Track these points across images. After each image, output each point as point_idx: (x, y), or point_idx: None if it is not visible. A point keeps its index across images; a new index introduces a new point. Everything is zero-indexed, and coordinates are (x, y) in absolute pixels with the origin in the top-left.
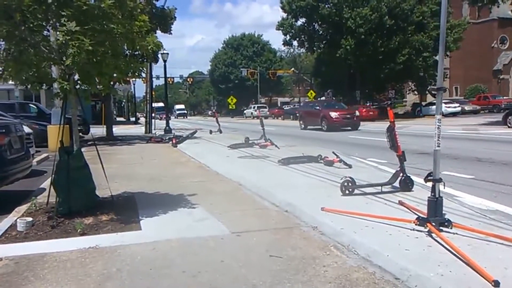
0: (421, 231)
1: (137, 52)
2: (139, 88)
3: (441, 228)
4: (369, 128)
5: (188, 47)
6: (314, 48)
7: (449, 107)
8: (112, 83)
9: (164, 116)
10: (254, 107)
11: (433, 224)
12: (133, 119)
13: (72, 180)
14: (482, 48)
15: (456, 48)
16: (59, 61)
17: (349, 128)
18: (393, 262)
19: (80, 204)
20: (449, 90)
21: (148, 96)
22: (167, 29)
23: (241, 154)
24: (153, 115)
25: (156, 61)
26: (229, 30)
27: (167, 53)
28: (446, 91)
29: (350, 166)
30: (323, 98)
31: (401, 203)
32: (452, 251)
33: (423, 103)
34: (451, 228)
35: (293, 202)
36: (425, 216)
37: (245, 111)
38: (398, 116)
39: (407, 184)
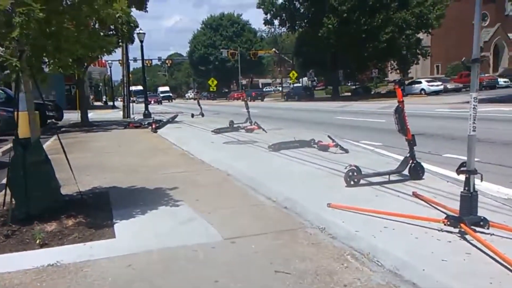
0: (451, 232)
1: (111, 32)
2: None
3: (474, 228)
4: (353, 109)
5: (166, 28)
6: (296, 27)
7: (431, 85)
8: (85, 64)
9: (153, 99)
10: (191, 91)
11: (469, 225)
12: (110, 103)
13: (31, 178)
14: (463, 26)
15: (438, 25)
16: (5, 34)
17: None
18: (431, 279)
19: (41, 206)
20: (431, 69)
21: (125, 79)
22: (142, 6)
23: (227, 139)
24: (132, 99)
25: (132, 41)
26: (207, 10)
27: (144, 33)
28: (482, 62)
29: (346, 151)
30: (305, 78)
31: (415, 195)
32: (500, 260)
33: (406, 82)
34: (487, 228)
35: (291, 196)
36: (450, 212)
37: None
38: (381, 96)
39: (417, 172)
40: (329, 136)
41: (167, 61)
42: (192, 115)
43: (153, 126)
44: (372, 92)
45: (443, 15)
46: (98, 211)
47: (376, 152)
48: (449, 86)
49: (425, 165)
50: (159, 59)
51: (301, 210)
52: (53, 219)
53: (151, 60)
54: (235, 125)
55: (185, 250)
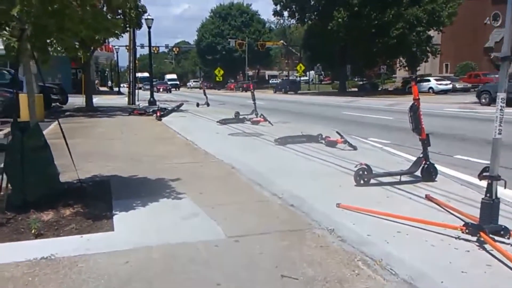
0: (469, 240)
1: (119, 16)
2: (124, 56)
3: (493, 237)
4: (360, 104)
5: (174, 16)
6: (305, 20)
7: (440, 84)
8: (91, 48)
9: (163, 87)
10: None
11: (489, 234)
12: (116, 89)
13: (28, 163)
14: (474, 25)
15: (450, 23)
16: (6, 11)
17: None
18: None
19: (38, 194)
20: (440, 67)
21: (131, 65)
22: None
23: (232, 131)
24: (139, 85)
25: (140, 26)
26: None
27: (152, 19)
28: None
29: (355, 148)
30: (312, 72)
31: (429, 198)
32: None
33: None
34: (508, 238)
35: (298, 194)
36: (467, 218)
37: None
38: (388, 93)
39: (430, 174)
40: (337, 132)
41: (174, 49)
42: (198, 104)
43: (158, 114)
44: (379, 89)
45: (456, 13)
46: (97, 201)
47: (385, 150)
48: (457, 85)
49: (436, 166)
50: (166, 46)
51: (309, 209)
52: (50, 208)
53: (158, 47)
54: (240, 117)
55: (186, 248)
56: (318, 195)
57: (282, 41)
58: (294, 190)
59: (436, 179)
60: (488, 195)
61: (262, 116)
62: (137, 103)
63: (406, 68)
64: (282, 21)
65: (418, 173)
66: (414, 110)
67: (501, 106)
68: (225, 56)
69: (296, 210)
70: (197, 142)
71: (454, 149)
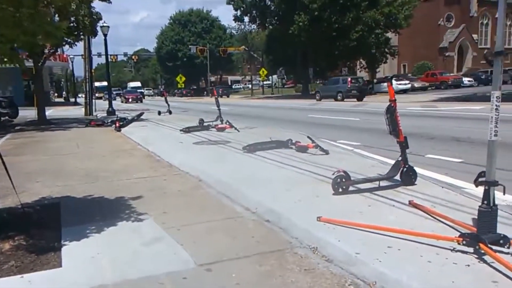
0: (466, 252)
1: (71, 24)
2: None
3: (490, 246)
4: (324, 107)
5: (133, 23)
6: (266, 24)
7: (399, 83)
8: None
9: (132, 96)
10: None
11: (489, 245)
12: (72, 99)
13: None
14: (429, 26)
15: (406, 25)
16: None
17: None
18: None
19: None
20: (398, 68)
21: (87, 74)
22: None
23: (197, 139)
24: (99, 95)
25: (95, 34)
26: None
27: (108, 26)
28: (507, 56)
29: (326, 152)
30: (275, 76)
31: (413, 204)
32: None
33: (374, 81)
34: (508, 247)
35: (274, 207)
36: (459, 226)
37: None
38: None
39: (410, 177)
40: (308, 137)
41: (133, 57)
42: (159, 113)
43: (117, 124)
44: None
45: (411, 15)
46: (44, 229)
47: (357, 153)
48: (416, 85)
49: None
50: (125, 54)
51: (287, 225)
52: None
53: (116, 55)
54: (205, 124)
55: (149, 284)
56: (295, 207)
57: (243, 47)
58: (269, 203)
59: (416, 183)
60: (485, 202)
61: (228, 123)
62: (94, 113)
63: (366, 69)
64: (243, 26)
65: (397, 177)
66: (391, 112)
67: (496, 106)
68: (186, 62)
69: (273, 226)
70: (160, 153)
71: (423, 148)
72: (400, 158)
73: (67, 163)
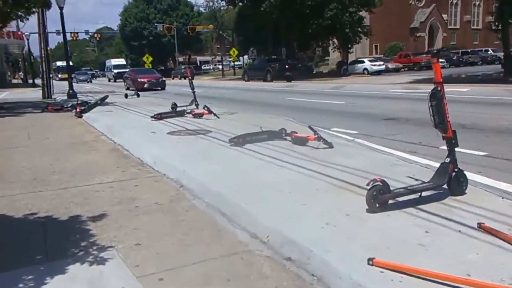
0: None
1: None
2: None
3: None
4: (302, 89)
5: (94, 0)
6: (236, 1)
7: (374, 65)
8: None
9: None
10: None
11: None
12: (30, 81)
13: None
14: (400, 6)
15: (380, 3)
16: None
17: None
18: None
19: None
20: (370, 48)
21: (43, 52)
22: None
23: (171, 128)
24: (61, 76)
25: (48, 6)
26: None
27: None
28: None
29: (330, 146)
30: (246, 56)
31: (485, 229)
32: None
33: (348, 62)
34: None
35: (292, 234)
36: None
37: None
38: (323, 75)
39: (460, 185)
40: (310, 127)
41: (95, 35)
42: (126, 96)
43: (78, 109)
44: (314, 72)
45: None
46: None
47: (364, 145)
48: (390, 66)
49: (427, 161)
50: (87, 32)
51: (322, 270)
52: None
53: (77, 33)
54: (179, 109)
55: None
56: (325, 235)
57: (212, 25)
58: (284, 227)
59: (466, 191)
60: None
61: (206, 108)
62: (54, 96)
63: (340, 50)
64: (211, 3)
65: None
66: (438, 98)
67: None
68: (152, 41)
69: (300, 271)
70: (128, 146)
71: (431, 138)
72: (448, 160)
73: (12, 161)
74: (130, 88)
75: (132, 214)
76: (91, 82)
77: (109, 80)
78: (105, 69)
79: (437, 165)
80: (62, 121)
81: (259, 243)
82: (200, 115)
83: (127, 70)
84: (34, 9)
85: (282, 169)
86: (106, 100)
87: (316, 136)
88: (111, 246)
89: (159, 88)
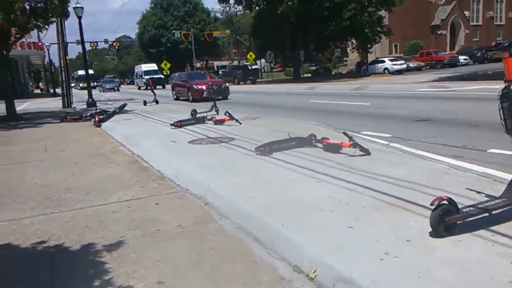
0: None
1: (39, 5)
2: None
3: None
4: (323, 90)
5: (113, 10)
6: (253, 6)
7: (395, 64)
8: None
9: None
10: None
11: None
12: (52, 90)
13: None
14: (420, 4)
15: (399, 2)
16: None
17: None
18: None
19: None
20: (389, 48)
21: (62, 61)
22: None
23: (192, 136)
24: (82, 85)
25: (66, 16)
26: None
27: (81, 7)
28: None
29: (367, 153)
30: (263, 60)
31: None
32: None
33: (368, 62)
34: None
35: (345, 268)
36: None
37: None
38: (343, 76)
39: None
40: (345, 133)
41: (114, 44)
42: (145, 103)
43: (96, 118)
44: (333, 73)
45: None
46: None
47: (405, 151)
48: (411, 64)
49: (483, 169)
50: (106, 41)
51: None
52: None
53: (96, 42)
54: (199, 115)
55: None
56: (386, 270)
57: (229, 30)
58: (329, 255)
59: None
60: None
61: (227, 114)
62: (74, 105)
63: (359, 50)
64: (228, 9)
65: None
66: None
67: None
68: (170, 48)
69: None
70: (147, 157)
71: (474, 139)
72: None
73: (25, 177)
74: (181, 98)
75: (152, 240)
76: (118, 90)
77: (139, 88)
78: (135, 76)
79: (497, 173)
80: (80, 131)
81: (305, 279)
82: (221, 122)
83: (160, 76)
84: (52, 19)
85: (318, 182)
86: (125, 108)
87: (352, 142)
88: (129, 286)
89: (221, 97)
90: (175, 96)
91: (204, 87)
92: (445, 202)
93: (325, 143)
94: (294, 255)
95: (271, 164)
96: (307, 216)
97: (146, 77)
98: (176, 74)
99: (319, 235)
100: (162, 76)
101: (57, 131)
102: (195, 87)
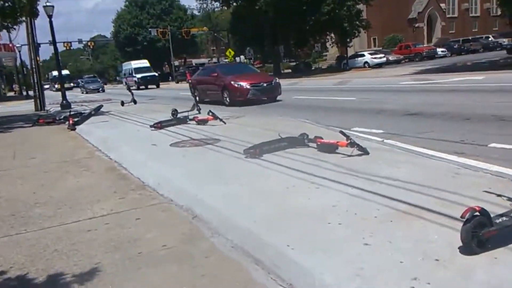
0: None
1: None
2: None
3: None
4: (306, 86)
5: (86, 9)
6: (230, 1)
7: (375, 58)
8: None
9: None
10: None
11: None
12: (25, 93)
13: None
14: None
15: None
16: None
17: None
18: None
19: None
20: (368, 42)
21: (33, 62)
22: None
23: (174, 138)
24: (57, 86)
25: (35, 15)
26: None
27: (52, 6)
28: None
29: (366, 152)
30: (242, 56)
31: None
32: None
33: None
34: None
35: None
36: None
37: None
38: (323, 71)
39: None
40: (342, 132)
41: (89, 43)
42: (122, 103)
43: (70, 121)
44: (313, 68)
45: None
46: None
47: (402, 148)
48: (390, 58)
49: (496, 168)
50: (80, 41)
51: None
52: None
53: (70, 42)
54: (180, 115)
55: None
56: None
57: (207, 27)
58: (348, 282)
59: None
60: None
61: (211, 113)
62: (47, 107)
63: (338, 44)
64: (205, 5)
65: None
66: None
67: None
68: (147, 47)
69: None
70: (126, 163)
71: (473, 134)
72: None
73: None
74: (206, 100)
75: (133, 266)
76: (103, 91)
77: (129, 89)
78: (123, 75)
79: (493, 168)
80: (53, 136)
81: None
82: (204, 122)
83: (154, 74)
84: (21, 19)
85: (318, 188)
86: (101, 109)
87: (349, 141)
88: None
89: (266, 98)
90: (196, 98)
91: (248, 85)
92: (477, 213)
93: (319, 143)
94: (305, 283)
95: (263, 168)
96: (314, 231)
97: (138, 75)
98: (199, 67)
99: (332, 256)
100: (156, 74)
101: (28, 136)
102: (236, 85)
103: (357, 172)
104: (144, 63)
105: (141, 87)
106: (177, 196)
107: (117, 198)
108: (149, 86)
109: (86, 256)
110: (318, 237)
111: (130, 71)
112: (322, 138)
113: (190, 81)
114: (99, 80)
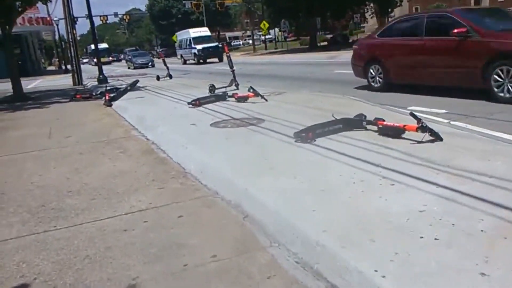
0: None
1: None
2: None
3: None
4: (346, 60)
5: None
6: None
7: None
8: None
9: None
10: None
11: None
12: (63, 67)
13: None
14: None
15: None
16: None
17: None
18: None
19: None
20: (409, 12)
21: (70, 36)
22: None
23: (214, 117)
24: (95, 60)
25: None
26: None
27: None
28: None
29: (439, 138)
30: (277, 29)
31: None
32: None
33: None
34: None
35: None
36: None
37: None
38: None
39: None
40: (412, 114)
41: (124, 17)
42: (158, 78)
43: (107, 97)
44: (350, 41)
45: None
46: None
47: (483, 134)
48: None
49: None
50: (115, 14)
51: None
52: None
53: (106, 16)
54: (218, 91)
55: None
56: None
57: None
58: None
59: None
60: None
61: (252, 90)
62: (85, 82)
63: (379, 15)
64: None
65: None
66: None
67: None
68: (181, 19)
69: None
70: (164, 145)
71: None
72: None
73: (22, 174)
74: (406, 80)
75: (178, 286)
76: (153, 66)
77: (185, 62)
78: (178, 46)
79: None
80: (89, 112)
81: None
82: (244, 99)
83: (217, 45)
84: None
85: (394, 185)
86: (137, 85)
87: (420, 125)
88: None
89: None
90: (379, 78)
91: None
92: None
93: (380, 125)
94: None
95: (319, 156)
96: (405, 250)
97: (198, 46)
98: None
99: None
100: (220, 45)
101: (64, 112)
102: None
103: (437, 164)
104: (205, 31)
105: (201, 60)
106: (223, 188)
107: (156, 188)
108: (209, 60)
109: (122, 267)
110: (414, 259)
111: (188, 42)
112: (383, 120)
113: (228, 54)
114: (147, 53)
